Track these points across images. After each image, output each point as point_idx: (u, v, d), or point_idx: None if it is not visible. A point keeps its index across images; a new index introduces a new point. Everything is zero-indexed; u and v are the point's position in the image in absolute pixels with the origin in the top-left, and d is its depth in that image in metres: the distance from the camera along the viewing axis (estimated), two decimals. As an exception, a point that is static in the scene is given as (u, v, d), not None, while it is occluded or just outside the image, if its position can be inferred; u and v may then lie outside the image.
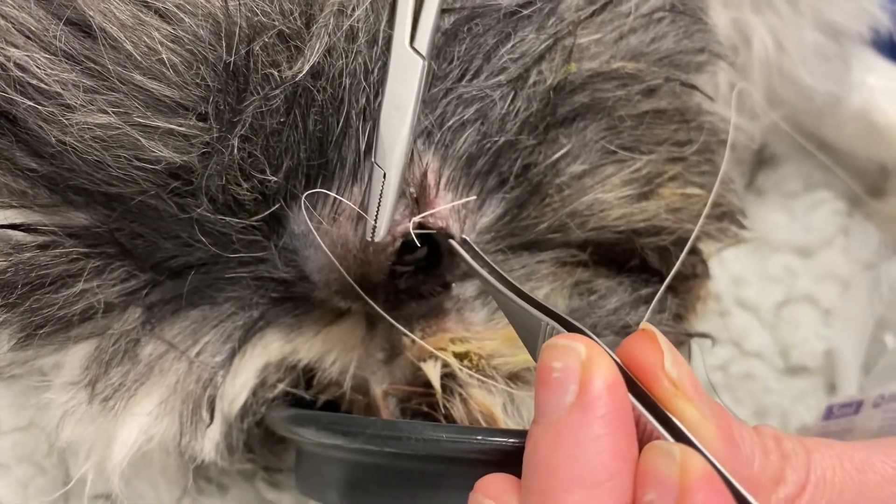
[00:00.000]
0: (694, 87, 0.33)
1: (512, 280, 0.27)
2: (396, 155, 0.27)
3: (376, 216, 0.27)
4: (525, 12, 0.28)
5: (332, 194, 0.27)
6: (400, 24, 0.27)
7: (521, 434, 0.25)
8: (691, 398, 0.23)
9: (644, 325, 0.24)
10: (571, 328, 0.25)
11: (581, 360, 0.23)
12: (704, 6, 0.36)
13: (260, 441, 0.35)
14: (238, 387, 0.31)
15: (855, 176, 0.50)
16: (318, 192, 0.27)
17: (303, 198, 0.27)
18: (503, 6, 0.28)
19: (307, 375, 0.33)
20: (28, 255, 0.27)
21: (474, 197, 0.29)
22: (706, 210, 0.31)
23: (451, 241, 0.28)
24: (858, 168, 0.50)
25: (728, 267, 0.47)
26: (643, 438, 0.23)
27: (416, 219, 0.28)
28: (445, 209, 0.28)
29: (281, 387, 0.32)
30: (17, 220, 0.27)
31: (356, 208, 0.27)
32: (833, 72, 0.45)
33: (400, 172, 0.27)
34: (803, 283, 0.47)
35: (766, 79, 0.44)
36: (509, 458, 0.24)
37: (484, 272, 0.27)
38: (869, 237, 0.49)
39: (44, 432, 0.38)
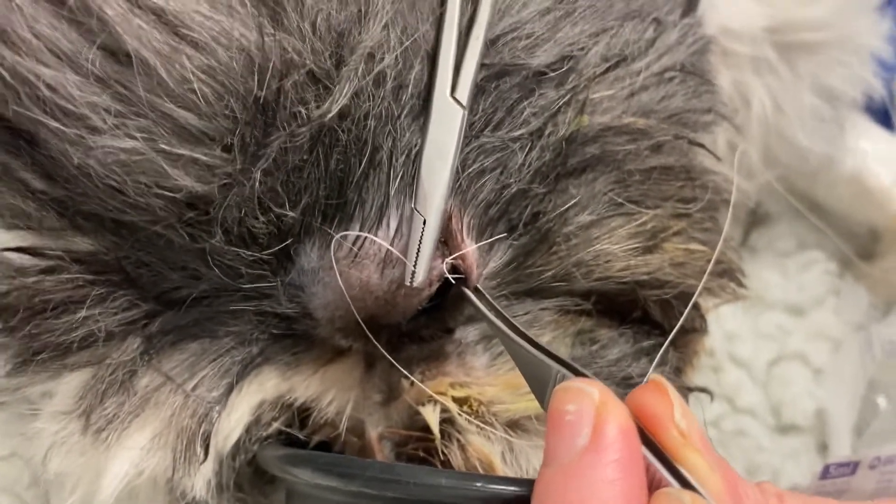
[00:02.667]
0: (701, 145, 0.34)
1: (521, 328, 0.27)
2: (437, 201, 0.27)
3: (416, 261, 0.27)
4: (551, 74, 0.29)
5: (370, 236, 0.27)
6: (442, 75, 0.27)
7: (522, 482, 0.25)
8: (699, 450, 0.23)
9: (654, 375, 0.25)
10: (580, 376, 0.25)
11: (595, 404, 0.23)
12: (710, 67, 0.37)
13: (250, 480, 0.34)
14: (232, 423, 0.30)
15: (846, 238, 0.51)
16: (345, 233, 0.27)
17: (336, 236, 0.27)
18: (532, 66, 0.29)
19: (302, 415, 0.32)
20: (32, 279, 0.26)
21: (504, 234, 0.29)
22: (710, 266, 0.31)
23: (465, 289, 0.28)
24: (850, 230, 0.51)
25: (722, 323, 0.47)
26: (651, 486, 0.23)
27: (449, 260, 0.28)
28: (473, 252, 0.28)
29: (276, 425, 0.32)
30: (24, 243, 0.27)
31: (392, 248, 0.27)
32: (828, 134, 0.46)
33: (440, 218, 0.27)
34: (795, 341, 0.48)
35: (763, 138, 0.45)
36: (510, 507, 0.24)
37: (494, 318, 0.28)
38: (859, 299, 0.50)
39: (27, 463, 0.37)
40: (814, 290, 0.50)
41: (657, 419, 0.23)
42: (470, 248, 0.28)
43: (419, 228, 0.27)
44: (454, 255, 0.28)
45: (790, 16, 0.42)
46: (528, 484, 0.24)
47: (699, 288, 0.31)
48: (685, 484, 0.23)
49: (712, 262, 0.31)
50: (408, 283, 0.27)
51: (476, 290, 0.29)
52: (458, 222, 0.28)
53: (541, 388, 0.25)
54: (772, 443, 0.45)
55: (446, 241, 0.28)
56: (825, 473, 0.36)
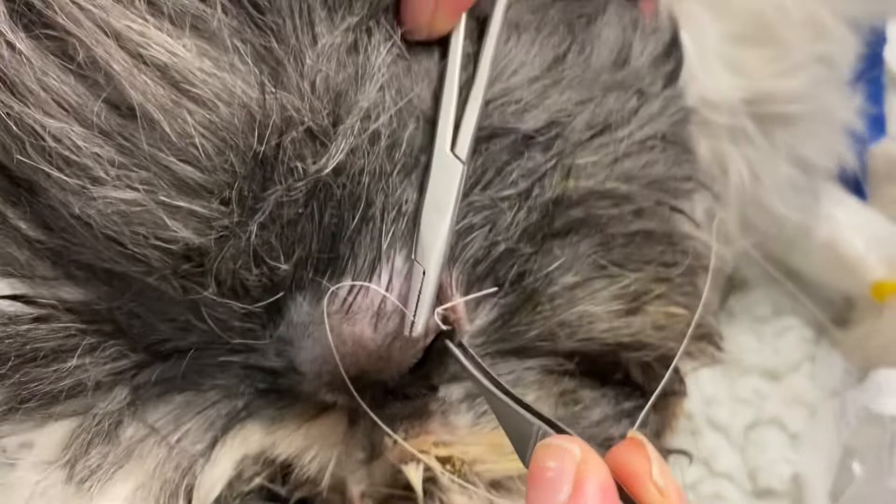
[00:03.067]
0: (681, 211, 0.35)
1: (504, 384, 0.27)
2: (436, 253, 0.27)
3: (415, 311, 0.27)
4: (539, 138, 0.30)
5: (367, 284, 0.28)
6: (442, 132, 0.29)
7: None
8: None
9: (632, 433, 0.25)
10: (562, 433, 0.25)
11: (576, 461, 0.23)
12: (690, 137, 0.38)
13: (229, 536, 0.34)
14: (215, 477, 0.30)
15: (822, 305, 0.52)
16: (337, 285, 0.28)
17: (331, 289, 0.27)
18: (521, 130, 0.30)
19: (284, 471, 0.32)
20: (24, 327, 0.26)
21: (495, 289, 0.29)
22: (690, 330, 0.32)
23: (447, 342, 0.29)
24: (825, 297, 0.52)
25: (700, 386, 0.48)
26: None
27: (440, 310, 0.28)
28: (462, 305, 0.29)
29: (258, 480, 0.32)
30: (17, 292, 0.27)
31: (388, 295, 0.28)
32: (803, 203, 0.47)
33: (439, 270, 0.27)
34: (772, 406, 0.49)
35: (740, 206, 0.47)
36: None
37: (478, 374, 0.28)
38: (834, 365, 0.51)
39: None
40: (790, 356, 0.50)
41: (635, 476, 0.24)
42: (460, 299, 0.29)
43: (419, 279, 0.27)
44: (445, 306, 0.28)
45: (766, 88, 0.43)
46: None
47: (680, 351, 0.31)
48: None
49: (692, 325, 0.32)
50: (407, 334, 0.28)
51: (460, 346, 0.29)
52: (447, 276, 0.29)
53: (522, 444, 0.26)
54: (748, 507, 0.46)
55: (438, 296, 0.28)
56: (803, 539, 0.37)
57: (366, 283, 0.28)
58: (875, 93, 0.52)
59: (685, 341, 0.31)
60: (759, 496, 0.46)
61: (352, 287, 0.28)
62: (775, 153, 0.45)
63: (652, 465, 0.24)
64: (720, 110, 0.43)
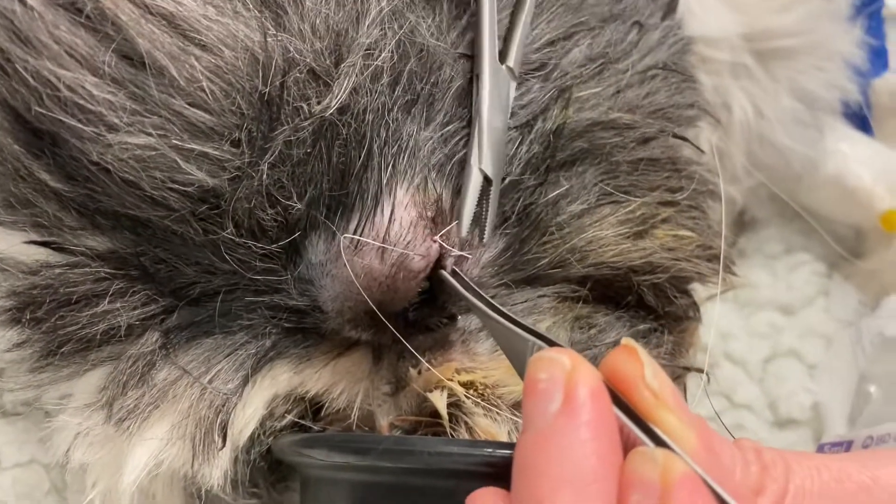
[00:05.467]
0: (685, 139, 0.35)
1: (498, 305, 0.28)
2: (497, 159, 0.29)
3: (485, 220, 0.29)
4: (535, 71, 0.31)
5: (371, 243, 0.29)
6: (490, 42, 0.30)
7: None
8: (672, 408, 0.24)
9: (625, 340, 0.25)
10: (554, 346, 0.26)
11: (566, 370, 0.24)
12: (690, 66, 0.39)
13: (264, 476, 0.35)
14: (247, 417, 0.32)
15: (833, 239, 0.52)
16: (335, 223, 0.29)
17: (341, 236, 0.28)
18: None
19: (314, 407, 0.33)
20: (58, 271, 0.28)
21: (498, 225, 0.30)
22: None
23: (442, 272, 0.29)
24: (835, 231, 0.53)
25: (716, 323, 0.48)
26: (627, 447, 0.24)
27: (437, 237, 0.29)
28: (457, 229, 0.29)
29: (289, 418, 0.33)
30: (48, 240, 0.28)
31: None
32: (809, 137, 0.48)
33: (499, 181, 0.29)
34: (788, 339, 0.49)
35: (746, 143, 0.47)
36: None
37: (473, 299, 0.29)
38: (848, 297, 0.51)
39: (45, 469, 0.38)
40: (803, 291, 0.51)
41: (628, 381, 0.24)
42: (455, 224, 0.29)
43: (477, 186, 0.29)
44: (442, 232, 0.29)
45: (764, 23, 0.44)
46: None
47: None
48: (658, 442, 0.23)
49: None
50: (463, 235, 0.29)
51: (454, 273, 0.30)
52: (448, 205, 0.30)
53: (520, 361, 0.26)
54: (771, 436, 0.46)
55: (434, 219, 0.29)
56: (820, 452, 0.37)
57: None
58: (875, 26, 0.52)
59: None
60: (781, 426, 0.47)
61: (358, 222, 0.29)
62: (777, 88, 0.46)
63: (645, 369, 0.24)
64: (720, 47, 0.44)
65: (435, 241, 0.29)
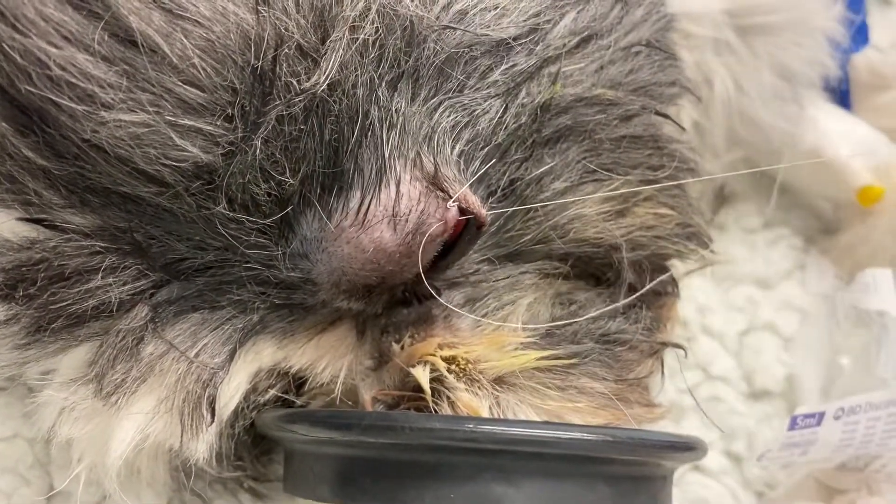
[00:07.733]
0: (667, 116, 0.36)
1: None
2: None
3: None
4: (515, 44, 0.31)
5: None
6: None
7: (511, 423, 0.26)
8: None
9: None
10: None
11: None
12: (672, 42, 0.39)
13: (248, 449, 0.35)
14: (231, 391, 0.32)
15: (812, 214, 0.53)
16: (331, 200, 0.29)
17: (340, 206, 0.29)
18: (495, 38, 0.31)
19: (297, 381, 0.34)
20: (51, 244, 0.28)
21: (493, 161, 0.30)
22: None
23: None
24: (813, 207, 0.53)
25: (694, 296, 0.49)
26: None
27: (451, 203, 0.29)
28: (469, 192, 0.30)
29: (272, 392, 0.33)
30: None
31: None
32: (789, 113, 0.48)
33: None
34: (764, 312, 0.50)
35: (727, 119, 0.47)
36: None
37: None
38: (824, 271, 0.52)
39: (28, 443, 0.38)
40: (780, 265, 0.52)
41: None
42: (465, 186, 0.30)
43: None
44: (456, 196, 0.29)
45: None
46: (518, 423, 0.26)
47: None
48: None
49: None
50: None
51: (479, 230, 0.30)
52: (447, 171, 0.30)
53: None
54: (746, 408, 0.47)
55: (441, 188, 0.29)
56: (793, 424, 0.38)
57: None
58: (855, 1, 0.52)
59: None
60: (756, 397, 0.48)
61: (363, 198, 0.29)
62: (758, 64, 0.46)
63: None
64: (703, 22, 0.44)
65: (451, 207, 0.29)
